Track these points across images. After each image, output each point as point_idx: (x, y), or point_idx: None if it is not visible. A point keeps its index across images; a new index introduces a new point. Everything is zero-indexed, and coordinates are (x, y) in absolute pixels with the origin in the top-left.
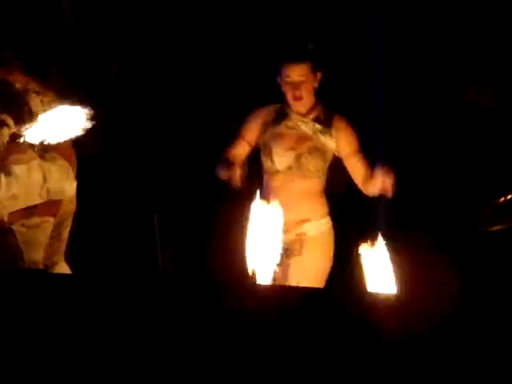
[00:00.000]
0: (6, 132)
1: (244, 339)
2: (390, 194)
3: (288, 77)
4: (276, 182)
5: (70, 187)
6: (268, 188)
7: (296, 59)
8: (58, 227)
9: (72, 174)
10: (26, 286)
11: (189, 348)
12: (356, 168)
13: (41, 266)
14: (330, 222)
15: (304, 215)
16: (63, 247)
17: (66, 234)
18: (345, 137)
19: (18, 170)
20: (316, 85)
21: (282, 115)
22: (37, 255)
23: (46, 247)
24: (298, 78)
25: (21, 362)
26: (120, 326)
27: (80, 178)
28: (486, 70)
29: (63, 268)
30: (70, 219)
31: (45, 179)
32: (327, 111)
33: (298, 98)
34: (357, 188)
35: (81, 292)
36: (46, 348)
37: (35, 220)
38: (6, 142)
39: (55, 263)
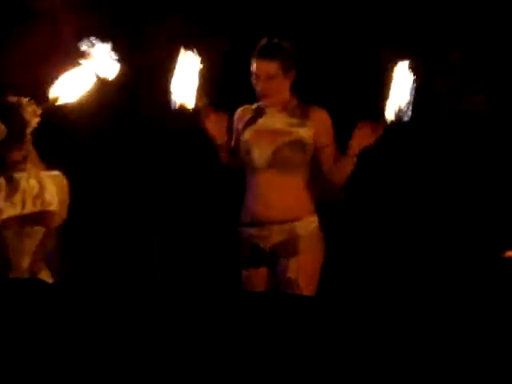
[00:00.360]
0: None
1: (237, 344)
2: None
3: (256, 73)
4: (258, 181)
5: (63, 201)
6: (252, 188)
7: (265, 56)
8: (45, 237)
9: (66, 190)
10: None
11: (183, 354)
12: (330, 159)
13: (26, 273)
14: (317, 220)
15: (292, 213)
16: (46, 255)
17: (51, 243)
18: (322, 127)
19: (17, 176)
20: (289, 82)
21: (259, 112)
22: (24, 262)
23: (32, 255)
24: (267, 75)
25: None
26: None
27: (82, 197)
28: (483, 78)
29: (46, 275)
30: (56, 230)
31: (41, 189)
32: (303, 104)
33: (264, 95)
34: None
35: (79, 302)
36: (45, 352)
37: (27, 229)
38: None
39: (39, 270)
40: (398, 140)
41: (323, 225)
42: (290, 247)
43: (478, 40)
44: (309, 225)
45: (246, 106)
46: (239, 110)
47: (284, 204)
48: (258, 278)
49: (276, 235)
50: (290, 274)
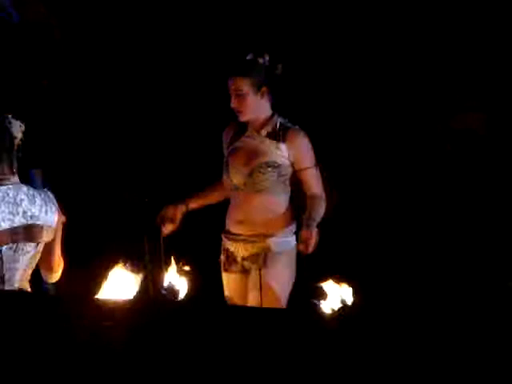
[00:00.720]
0: None
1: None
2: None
3: (229, 89)
4: (236, 198)
5: (51, 218)
6: (232, 202)
7: (234, 73)
8: (36, 253)
9: (55, 208)
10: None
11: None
12: (306, 182)
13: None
14: (295, 242)
15: (266, 231)
16: (30, 274)
17: (36, 261)
18: (299, 150)
19: (5, 190)
20: (262, 99)
21: (241, 129)
22: (15, 279)
23: (22, 272)
24: (236, 92)
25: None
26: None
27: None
28: (478, 96)
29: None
30: (42, 248)
31: (30, 203)
32: (283, 126)
33: (237, 112)
34: None
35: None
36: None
37: (20, 245)
38: None
39: (26, 287)
40: (396, 157)
41: None
42: (260, 261)
43: (473, 60)
44: (282, 243)
45: (233, 123)
46: (227, 127)
47: (257, 221)
48: (234, 282)
49: (248, 248)
50: (257, 287)
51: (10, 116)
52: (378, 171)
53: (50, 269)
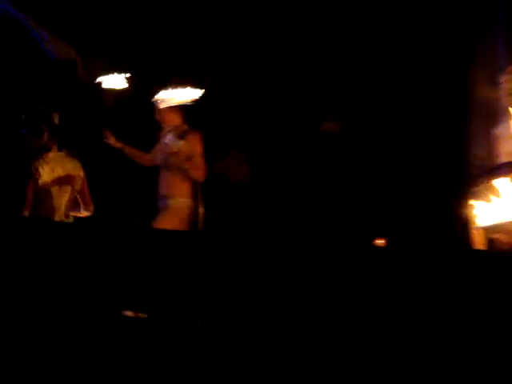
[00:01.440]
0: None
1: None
2: None
3: None
4: (159, 173)
5: (78, 171)
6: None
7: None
8: (72, 194)
9: (80, 166)
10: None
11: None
12: (195, 165)
13: (63, 215)
14: (187, 203)
15: (168, 192)
16: (70, 207)
17: (72, 198)
18: (191, 144)
19: (53, 155)
20: (175, 115)
21: (166, 132)
22: (62, 207)
23: (65, 205)
24: (157, 110)
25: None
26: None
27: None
28: (334, 111)
29: (71, 218)
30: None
31: (63, 161)
32: (186, 129)
33: (159, 123)
34: None
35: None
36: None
37: (63, 186)
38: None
39: (68, 215)
40: (278, 151)
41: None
42: (163, 209)
43: (331, 84)
44: (177, 202)
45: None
46: None
47: (165, 187)
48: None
49: (163, 203)
50: (159, 225)
51: (49, 110)
52: (271, 157)
53: (86, 203)
